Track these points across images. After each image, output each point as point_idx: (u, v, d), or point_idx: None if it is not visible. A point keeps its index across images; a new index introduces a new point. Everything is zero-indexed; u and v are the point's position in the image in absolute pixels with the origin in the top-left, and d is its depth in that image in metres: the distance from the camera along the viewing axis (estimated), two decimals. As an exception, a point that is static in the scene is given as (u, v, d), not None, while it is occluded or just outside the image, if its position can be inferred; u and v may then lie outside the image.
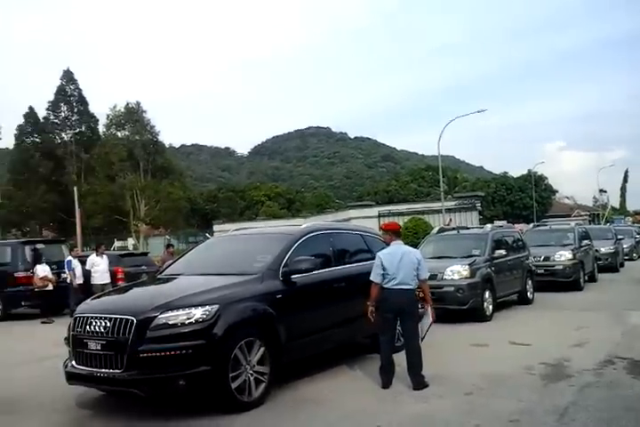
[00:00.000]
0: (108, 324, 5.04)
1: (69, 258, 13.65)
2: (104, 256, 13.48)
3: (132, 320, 4.94)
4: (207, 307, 5.04)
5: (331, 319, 6.47)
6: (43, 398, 5.96)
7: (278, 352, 5.59)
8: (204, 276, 6.18)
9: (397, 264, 5.96)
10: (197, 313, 4.99)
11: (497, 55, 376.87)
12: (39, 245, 14.53)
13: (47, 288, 13.17)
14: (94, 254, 13.55)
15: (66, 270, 13.44)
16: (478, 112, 32.36)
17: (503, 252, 11.40)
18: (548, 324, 9.68)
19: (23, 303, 14.09)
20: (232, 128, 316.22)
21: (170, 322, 4.93)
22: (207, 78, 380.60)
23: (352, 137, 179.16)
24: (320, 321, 6.33)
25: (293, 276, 6.00)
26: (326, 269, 6.65)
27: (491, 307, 10.39)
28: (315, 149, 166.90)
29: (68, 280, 13.28)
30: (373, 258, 7.42)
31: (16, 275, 13.90)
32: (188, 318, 4.96)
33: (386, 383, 5.88)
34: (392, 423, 4.76)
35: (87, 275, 13.20)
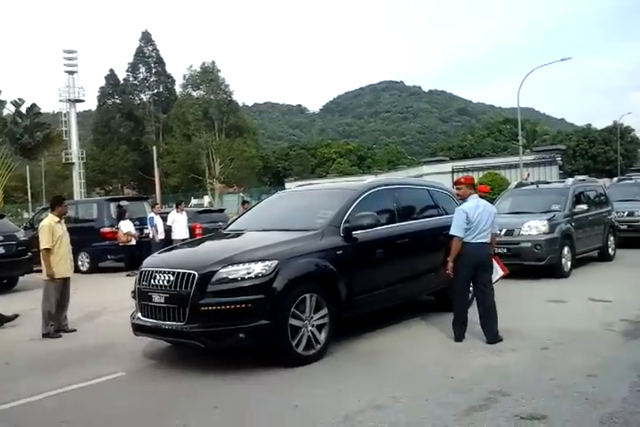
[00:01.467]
0: (171, 278, 5.16)
1: (152, 215, 14.24)
2: (183, 213, 14.01)
3: (194, 274, 5.03)
4: (267, 262, 5.08)
5: (393, 276, 6.37)
6: (118, 347, 6.27)
7: (338, 308, 5.58)
8: (266, 231, 6.21)
9: (478, 218, 5.87)
10: (257, 268, 5.03)
11: (575, 3, 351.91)
12: (123, 203, 15.22)
13: (130, 243, 13.86)
14: (174, 211, 14.10)
15: (148, 226, 14.07)
16: (561, 60, 30.46)
17: (584, 207, 10.96)
18: (630, 281, 9.33)
19: (109, 257, 14.93)
20: (303, 85, 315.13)
21: (230, 276, 5.00)
22: (278, 36, 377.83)
23: (426, 91, 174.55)
24: (382, 278, 6.22)
25: (355, 232, 5.89)
26: (390, 226, 6.51)
27: (569, 263, 10.09)
28: (387, 104, 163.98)
29: (151, 236, 13.90)
30: (440, 214, 7.37)
31: (102, 230, 14.68)
32: (248, 273, 5.01)
33: (459, 337, 5.89)
34: (465, 375, 4.78)
35: (168, 230, 13.79)
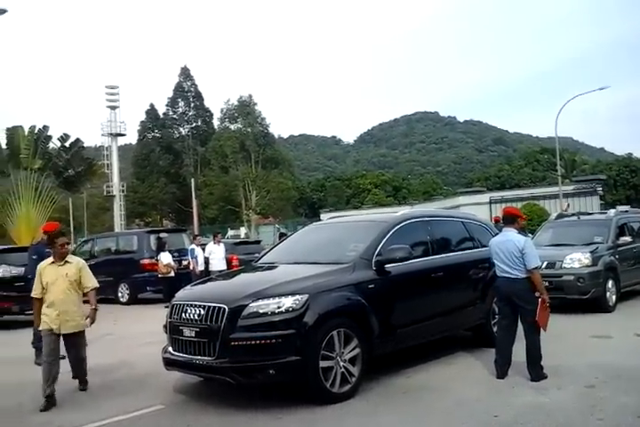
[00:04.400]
0: (202, 311, 5.13)
1: (192, 246, 14.45)
2: (221, 244, 14.17)
3: (224, 308, 5.00)
4: (297, 296, 5.02)
5: (428, 311, 6.25)
6: (156, 379, 6.26)
7: (370, 344, 5.47)
8: (297, 264, 6.17)
9: (497, 253, 5.86)
10: (287, 302, 4.98)
11: (616, 25, 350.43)
12: (163, 234, 15.48)
13: (169, 275, 14.03)
14: (212, 242, 14.28)
15: (189, 258, 14.26)
16: (600, 89, 30.14)
17: (629, 238, 10.70)
18: (680, 316, 8.99)
19: (148, 288, 15.14)
20: (338, 117, 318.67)
21: (260, 311, 4.95)
22: (314, 70, 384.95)
23: (461, 121, 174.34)
24: (416, 313, 6.11)
25: (387, 265, 5.81)
26: (423, 259, 6.41)
27: (614, 297, 9.81)
28: (422, 134, 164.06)
29: (191, 267, 14.06)
30: (475, 247, 7.28)
31: (142, 262, 14.94)
32: (279, 307, 4.96)
33: (501, 373, 5.75)
34: (510, 414, 4.64)
35: (206, 262, 13.94)
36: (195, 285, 6.46)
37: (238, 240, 19.96)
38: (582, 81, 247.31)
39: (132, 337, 9.18)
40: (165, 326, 5.67)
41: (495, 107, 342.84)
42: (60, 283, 5.69)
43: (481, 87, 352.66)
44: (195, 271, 13.84)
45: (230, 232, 45.68)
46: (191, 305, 5.33)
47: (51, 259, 5.84)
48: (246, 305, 5.00)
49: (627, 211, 12.89)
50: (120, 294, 15.09)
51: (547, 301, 5.72)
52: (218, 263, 13.75)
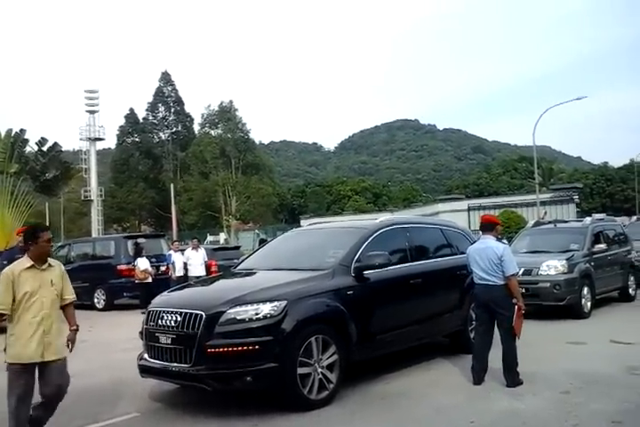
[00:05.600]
0: (179, 318, 5.07)
1: (170, 252, 14.33)
2: (199, 250, 14.05)
3: (202, 315, 4.94)
4: (275, 302, 4.98)
5: (406, 317, 6.25)
6: (131, 386, 6.14)
7: (349, 350, 5.44)
8: (276, 271, 6.13)
9: (476, 260, 5.90)
10: (266, 309, 4.94)
11: (594, 39, 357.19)
12: (140, 240, 15.33)
13: (147, 280, 13.89)
14: (190, 248, 14.17)
15: (165, 263, 14.12)
16: (577, 99, 30.63)
17: (604, 246, 10.85)
18: (654, 322, 9.13)
19: (125, 294, 14.97)
20: (319, 124, 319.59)
21: (238, 317, 4.91)
22: (294, 76, 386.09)
23: (441, 129, 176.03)
24: (394, 319, 6.10)
25: (366, 271, 5.80)
26: (402, 265, 6.41)
27: (589, 304, 9.93)
28: (402, 142, 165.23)
29: (169, 273, 13.94)
30: (454, 254, 7.30)
31: (119, 267, 14.77)
32: (257, 314, 4.92)
33: (478, 380, 5.77)
34: (486, 420, 4.66)
35: (185, 268, 13.83)
36: (172, 291, 6.36)
37: (217, 246, 19.85)
38: (561, 91, 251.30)
39: (108, 344, 9.06)
40: (141, 333, 5.59)
41: (474, 115, 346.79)
42: (46, 293, 4.30)
43: (461, 96, 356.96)
44: (172, 277, 13.72)
45: (210, 238, 45.36)
46: (168, 312, 5.25)
47: (25, 261, 4.30)
48: (224, 312, 4.94)
49: (602, 219, 13.07)
50: (96, 300, 14.90)
51: (522, 308, 5.76)
52: (196, 269, 13.62)
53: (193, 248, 14.02)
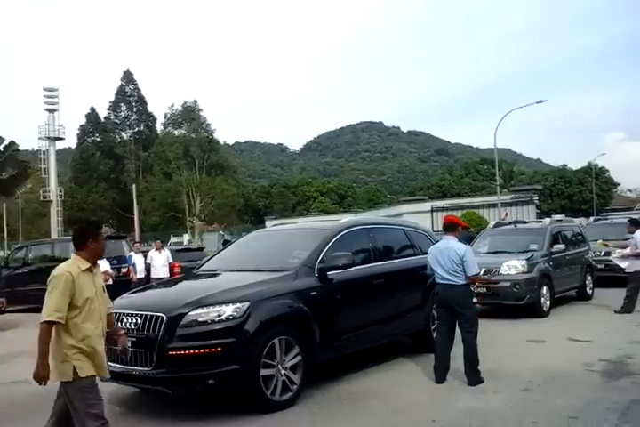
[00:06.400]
0: (139, 320, 4.98)
1: (131, 253, 14.09)
2: (163, 251, 13.85)
3: (163, 317, 4.87)
4: (238, 304, 4.93)
5: (369, 317, 6.25)
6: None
7: (312, 351, 5.42)
8: (239, 272, 6.09)
9: (437, 260, 5.96)
10: (228, 310, 4.88)
11: (554, 44, 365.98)
12: (100, 241, 15.00)
13: (107, 283, 13.59)
14: (153, 250, 13.96)
15: (126, 265, 13.88)
16: (537, 103, 31.36)
17: (562, 246, 11.09)
18: (609, 320, 9.36)
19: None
20: (284, 125, 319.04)
21: (200, 319, 4.84)
22: (260, 77, 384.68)
23: (405, 131, 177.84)
24: (358, 319, 6.10)
25: (330, 272, 5.79)
26: (366, 266, 6.43)
27: (548, 303, 10.13)
28: (367, 143, 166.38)
29: (130, 275, 13.71)
30: (416, 254, 7.35)
31: (78, 269, 14.42)
32: (219, 316, 4.86)
33: (440, 378, 5.84)
34: (447, 418, 4.71)
35: (149, 269, 13.62)
36: (132, 293, 6.26)
37: (181, 247, 19.59)
38: (521, 95, 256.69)
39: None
40: None
41: (438, 118, 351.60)
42: (101, 300, 3.77)
43: (424, 99, 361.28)
44: (133, 279, 13.50)
45: (173, 239, 44.88)
46: (128, 314, 5.15)
47: (80, 262, 3.68)
48: (185, 314, 4.87)
49: (561, 220, 13.39)
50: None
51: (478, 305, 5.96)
52: (159, 271, 13.43)
53: (156, 249, 13.83)
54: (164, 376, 4.79)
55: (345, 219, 7.11)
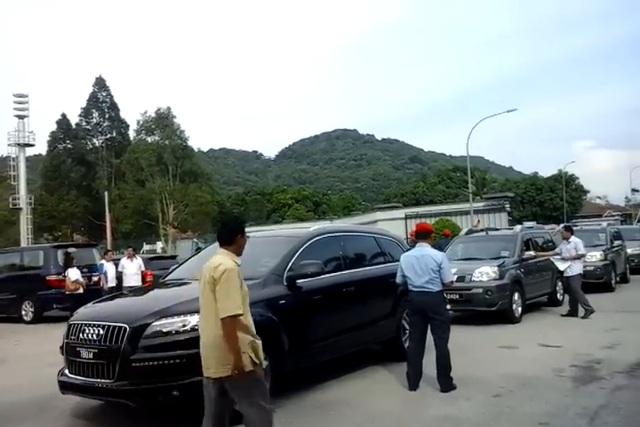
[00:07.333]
0: (101, 331, 4.88)
1: (102, 262, 13.89)
2: (134, 260, 13.67)
3: (125, 328, 4.76)
4: None
5: (340, 326, 6.21)
6: (58, 402, 5.87)
7: (281, 361, 5.32)
8: None
9: (413, 267, 5.96)
10: (193, 320, 4.73)
11: (525, 54, 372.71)
12: (71, 249, 14.77)
13: (78, 291, 13.38)
14: (125, 257, 13.78)
15: (97, 274, 13.67)
16: (508, 112, 31.86)
17: (533, 253, 11.24)
18: (579, 325, 9.51)
19: (55, 306, 14.36)
20: (259, 132, 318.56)
21: (164, 330, 4.74)
22: (234, 84, 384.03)
23: (379, 139, 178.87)
24: (328, 328, 6.05)
25: (299, 280, 5.71)
26: (335, 274, 6.39)
27: (520, 309, 10.25)
28: (341, 151, 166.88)
29: (101, 284, 13.49)
30: (387, 262, 7.36)
31: (48, 278, 14.19)
32: (184, 326, 4.76)
33: (413, 385, 5.85)
34: (420, 426, 4.72)
35: (120, 278, 13.42)
36: (96, 302, 6.11)
37: (153, 255, 19.39)
38: (494, 103, 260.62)
39: (35, 358, 8.65)
40: (62, 348, 5.32)
41: (411, 126, 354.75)
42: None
43: (398, 107, 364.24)
44: (104, 288, 13.28)
45: (146, 247, 44.36)
46: (90, 325, 5.02)
47: (231, 258, 3.90)
48: (149, 324, 4.76)
49: (532, 227, 13.57)
50: (24, 313, 14.27)
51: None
52: (131, 279, 13.24)
53: (128, 257, 13.64)
54: (127, 388, 4.67)
55: (315, 226, 7.04)
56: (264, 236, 8.00)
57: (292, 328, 5.53)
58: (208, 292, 3.76)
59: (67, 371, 5.21)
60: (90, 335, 4.95)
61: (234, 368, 3.56)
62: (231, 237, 3.94)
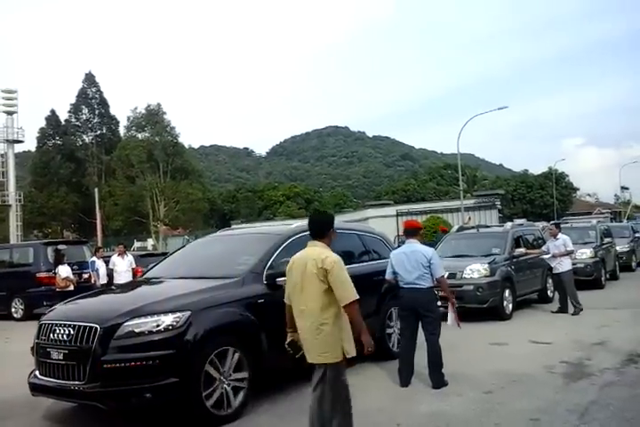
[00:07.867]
0: (72, 331, 4.76)
1: (93, 259, 13.82)
2: (125, 257, 13.61)
3: (96, 328, 4.64)
4: (178, 313, 4.72)
5: None
6: (49, 402, 5.75)
7: (260, 361, 5.23)
8: (183, 279, 5.90)
9: (404, 263, 5.97)
10: (167, 320, 4.66)
11: (515, 52, 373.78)
12: (61, 246, 14.69)
13: (68, 289, 13.30)
14: (116, 254, 13.72)
15: (89, 271, 13.61)
16: (498, 109, 32.01)
17: (523, 250, 11.29)
18: (569, 322, 9.57)
19: (45, 303, 14.22)
20: (250, 129, 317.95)
21: (137, 330, 4.62)
22: (225, 80, 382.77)
23: (370, 136, 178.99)
24: None
25: (279, 279, 5.38)
26: None
27: (510, 306, 10.30)
28: (333, 148, 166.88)
29: (92, 281, 13.43)
30: (371, 259, 7.30)
31: (38, 275, 14.13)
32: (157, 326, 4.64)
33: (404, 382, 5.87)
34: (411, 422, 4.75)
35: (111, 275, 13.37)
36: (68, 302, 5.91)
37: (144, 252, 19.30)
38: (484, 101, 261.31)
39: (26, 356, 8.57)
40: (32, 348, 5.23)
41: (403, 123, 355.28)
42: None
43: (389, 104, 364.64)
44: (95, 285, 13.22)
45: (137, 244, 44.23)
46: (60, 325, 4.91)
47: (327, 248, 4.29)
48: (121, 324, 4.64)
49: (522, 224, 13.62)
50: (14, 310, 14.21)
51: (455, 303, 6.13)
52: (122, 276, 13.16)
53: (119, 254, 13.56)
54: (98, 391, 4.55)
55: (297, 223, 6.90)
56: (244, 233, 7.85)
57: (272, 328, 5.31)
58: (313, 280, 3.99)
59: (37, 373, 5.10)
60: (60, 336, 4.84)
61: (366, 344, 3.95)
62: (325, 231, 4.25)
